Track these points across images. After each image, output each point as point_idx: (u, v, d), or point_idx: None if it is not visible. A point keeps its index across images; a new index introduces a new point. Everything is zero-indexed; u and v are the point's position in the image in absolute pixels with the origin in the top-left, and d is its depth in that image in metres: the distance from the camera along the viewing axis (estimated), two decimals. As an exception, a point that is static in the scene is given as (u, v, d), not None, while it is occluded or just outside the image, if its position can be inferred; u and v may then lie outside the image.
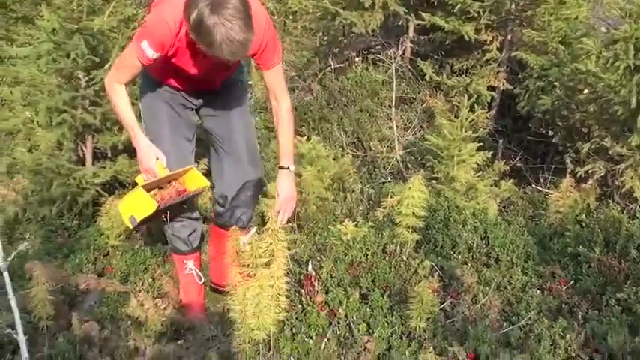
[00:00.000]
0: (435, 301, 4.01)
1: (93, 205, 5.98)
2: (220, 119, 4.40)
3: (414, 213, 4.64)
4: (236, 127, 4.42)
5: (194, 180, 4.29)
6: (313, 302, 4.17)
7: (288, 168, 4.29)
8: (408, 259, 4.67)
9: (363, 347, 3.89)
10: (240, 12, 3.50)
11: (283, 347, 3.85)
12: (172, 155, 4.14)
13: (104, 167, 6.14)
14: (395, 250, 4.72)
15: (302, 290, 4.29)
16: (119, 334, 4.25)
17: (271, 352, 3.77)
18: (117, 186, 6.26)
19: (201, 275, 4.67)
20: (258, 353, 3.74)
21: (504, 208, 6.12)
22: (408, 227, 4.71)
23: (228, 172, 4.46)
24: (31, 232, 5.82)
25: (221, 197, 4.55)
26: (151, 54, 3.72)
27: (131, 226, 4.14)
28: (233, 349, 3.81)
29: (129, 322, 4.37)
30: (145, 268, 5.02)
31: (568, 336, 3.89)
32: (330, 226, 5.19)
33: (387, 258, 4.67)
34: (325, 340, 3.95)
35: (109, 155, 6.25)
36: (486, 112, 8.03)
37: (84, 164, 6.19)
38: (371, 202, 6.01)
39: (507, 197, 6.20)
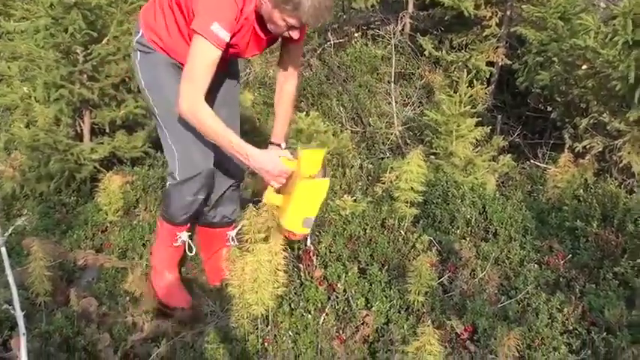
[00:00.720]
0: (433, 275, 4.04)
1: (91, 180, 5.95)
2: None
3: (412, 188, 4.64)
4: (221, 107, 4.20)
5: (310, 161, 3.87)
6: (312, 277, 4.19)
7: (279, 145, 4.26)
8: (406, 233, 4.68)
9: (362, 321, 3.92)
10: None
11: (282, 322, 3.87)
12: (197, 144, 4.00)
13: (102, 143, 6.11)
14: (393, 224, 4.73)
15: (300, 265, 4.31)
16: (117, 310, 4.26)
17: (269, 327, 3.79)
18: (115, 162, 6.24)
19: (193, 246, 4.54)
20: (257, 328, 3.75)
21: (502, 183, 6.12)
22: (407, 202, 4.71)
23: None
24: (28, 208, 5.80)
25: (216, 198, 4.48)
26: (224, 35, 3.50)
27: (309, 230, 3.90)
28: (231, 324, 3.83)
29: (127, 297, 4.38)
30: (143, 244, 5.00)
31: (565, 309, 3.92)
32: (328, 201, 5.19)
33: (385, 233, 4.68)
34: (324, 314, 3.97)
35: (107, 131, 6.21)
36: (485, 88, 8.03)
37: (82, 140, 6.16)
38: (370, 177, 6.00)
39: (506, 172, 6.19)
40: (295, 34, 3.69)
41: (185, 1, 3.65)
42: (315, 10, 3.42)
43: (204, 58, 3.55)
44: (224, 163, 4.25)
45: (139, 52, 3.98)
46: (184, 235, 4.42)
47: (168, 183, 4.22)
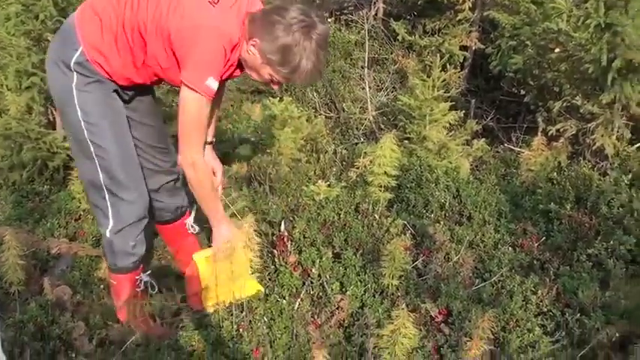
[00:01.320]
0: (407, 259, 4.04)
1: (64, 169, 5.92)
2: (141, 118, 3.95)
3: (385, 172, 4.64)
4: (152, 121, 4.03)
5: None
6: (286, 263, 4.18)
7: (211, 143, 4.17)
8: (380, 218, 4.68)
9: (337, 306, 3.92)
10: (326, 39, 3.43)
11: (256, 308, 3.85)
12: (119, 156, 3.70)
13: (74, 131, 6.09)
14: (367, 209, 4.73)
15: (275, 251, 4.29)
16: (92, 299, 4.23)
17: (244, 313, 3.78)
18: (87, 150, 6.21)
19: (155, 284, 4.17)
20: (232, 315, 3.74)
21: (476, 167, 6.12)
22: (380, 186, 4.71)
23: (150, 172, 4.05)
24: (1, 197, 5.76)
25: (153, 194, 4.16)
26: (215, 87, 3.37)
27: (208, 309, 3.82)
28: (207, 310, 3.83)
29: (101, 286, 4.35)
30: (118, 232, 4.99)
31: (540, 291, 3.94)
32: (302, 187, 5.18)
33: (359, 217, 4.68)
34: (299, 300, 3.96)
35: (80, 119, 6.18)
36: (458, 72, 8.06)
37: (54, 128, 6.10)
38: (344, 162, 6.00)
39: (479, 156, 6.19)
40: (276, 87, 3.63)
41: (157, 36, 3.41)
42: (310, 75, 3.39)
43: (200, 113, 3.43)
44: (149, 159, 4.06)
45: (75, 74, 3.54)
46: (145, 276, 4.08)
47: (106, 234, 3.84)
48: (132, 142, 3.82)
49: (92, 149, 3.63)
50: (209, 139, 4.13)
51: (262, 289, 3.97)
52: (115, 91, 3.69)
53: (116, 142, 3.68)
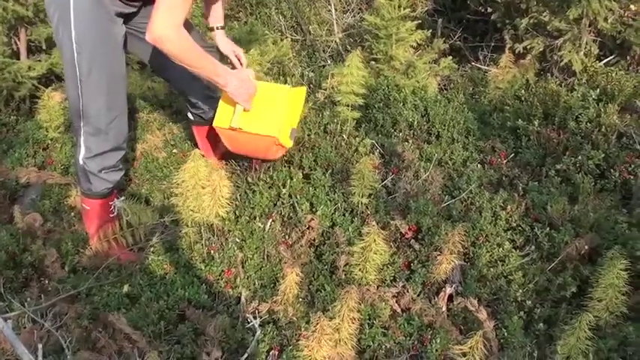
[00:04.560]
0: (376, 177, 4.06)
1: (30, 98, 5.89)
2: None
3: (353, 91, 4.62)
4: None
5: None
6: (257, 183, 4.19)
7: (224, 27, 4.24)
8: (348, 138, 4.67)
9: (307, 226, 3.93)
10: None
11: (230, 231, 3.87)
12: (104, 85, 3.67)
13: (39, 60, 6.02)
14: (336, 129, 4.72)
15: (246, 171, 4.32)
16: (63, 226, 4.23)
17: (215, 235, 3.79)
18: (53, 78, 6.16)
19: (129, 210, 4.14)
20: (201, 238, 3.75)
21: (444, 86, 6.10)
22: (348, 105, 4.69)
23: (174, 69, 3.87)
24: (-33, 129, 5.74)
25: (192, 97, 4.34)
26: None
27: (291, 144, 4.04)
28: (177, 234, 3.84)
29: (72, 213, 4.35)
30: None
31: (509, 207, 3.97)
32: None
33: (328, 137, 4.67)
34: (270, 221, 3.97)
35: (44, 48, 6.10)
36: (425, -9, 7.98)
37: (18, 58, 6.05)
38: (311, 85, 5.96)
39: (447, 75, 6.17)
40: None
41: None
42: None
43: None
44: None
45: None
46: (117, 202, 4.10)
47: (78, 159, 3.87)
48: (123, 73, 3.80)
49: (78, 72, 3.60)
50: (220, 24, 4.20)
51: (305, 88, 4.26)
52: (118, 14, 3.63)
53: (104, 69, 3.64)
